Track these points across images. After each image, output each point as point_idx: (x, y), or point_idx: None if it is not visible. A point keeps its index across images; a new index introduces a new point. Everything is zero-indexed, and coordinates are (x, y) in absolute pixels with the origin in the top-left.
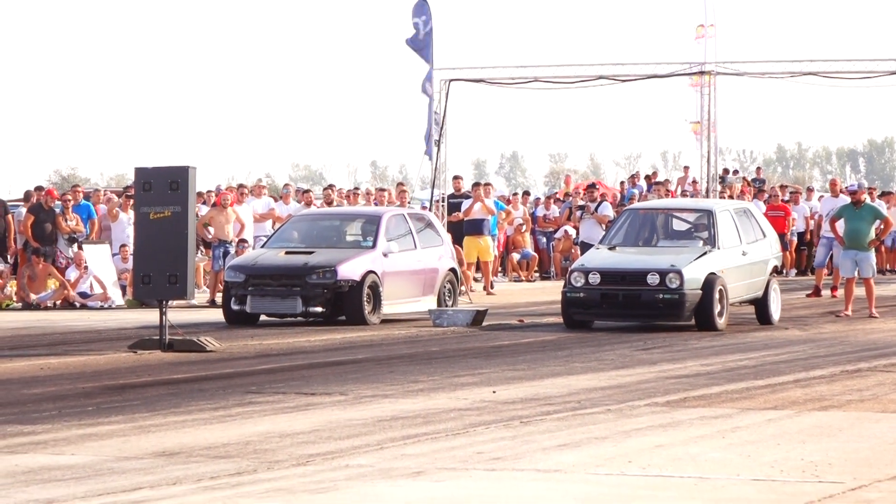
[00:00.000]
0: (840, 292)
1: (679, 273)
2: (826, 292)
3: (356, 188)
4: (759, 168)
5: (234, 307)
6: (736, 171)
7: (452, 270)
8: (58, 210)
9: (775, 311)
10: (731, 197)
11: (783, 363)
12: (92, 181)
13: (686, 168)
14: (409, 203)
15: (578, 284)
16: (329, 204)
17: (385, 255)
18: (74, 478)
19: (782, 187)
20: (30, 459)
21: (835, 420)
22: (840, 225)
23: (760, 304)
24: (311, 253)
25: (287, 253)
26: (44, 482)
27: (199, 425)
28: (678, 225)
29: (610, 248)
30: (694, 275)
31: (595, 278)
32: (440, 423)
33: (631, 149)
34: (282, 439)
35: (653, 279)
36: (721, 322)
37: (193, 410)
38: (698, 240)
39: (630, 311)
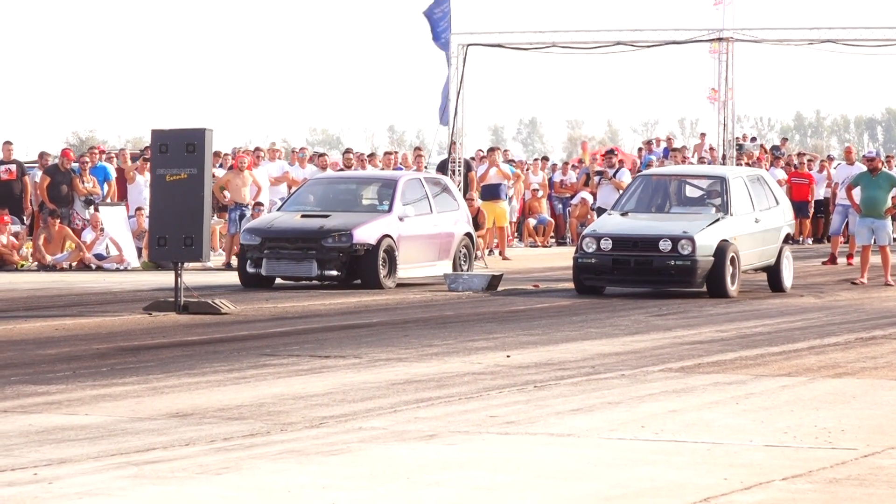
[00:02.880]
0: (856, 260)
1: (691, 239)
2: (842, 260)
3: (394, 152)
4: (784, 139)
5: (250, 270)
6: (754, 139)
7: (468, 235)
8: (75, 172)
9: (787, 278)
10: (747, 164)
11: (798, 330)
12: (109, 143)
13: (703, 135)
14: (425, 168)
15: (590, 250)
16: (348, 168)
17: (401, 219)
18: (88, 438)
19: (800, 155)
20: (44, 419)
21: (849, 387)
22: (856, 192)
23: (773, 272)
24: (327, 216)
25: (303, 216)
26: (57, 442)
27: (212, 387)
28: (691, 192)
29: (622, 214)
30: (706, 241)
31: (607, 244)
32: (454, 386)
33: (648, 115)
34: (295, 401)
35: (665, 245)
36: (733, 289)
37: (207, 372)
38: (711, 206)
39: (642, 277)
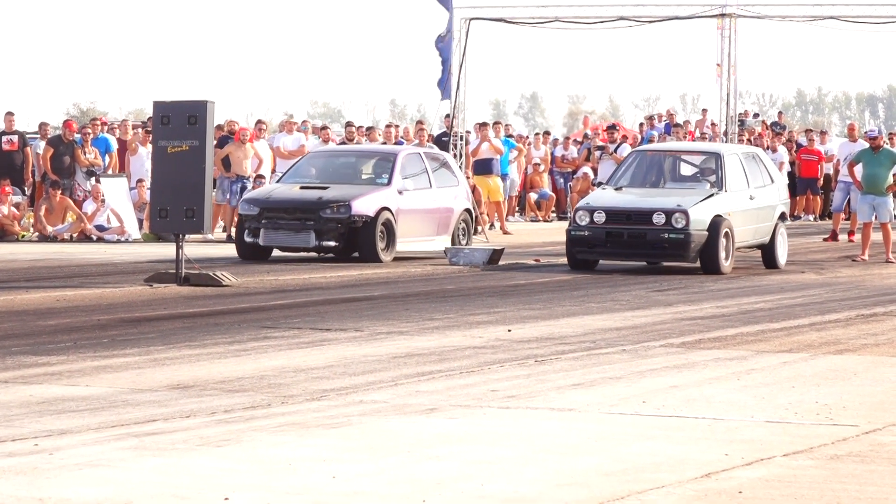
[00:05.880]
0: (857, 237)
1: (685, 213)
2: (843, 237)
3: (395, 125)
4: (780, 113)
5: (248, 240)
6: (756, 115)
7: (468, 210)
8: (77, 143)
9: (782, 255)
10: (749, 140)
11: (799, 306)
12: (110, 115)
13: (704, 111)
14: (427, 141)
15: (583, 223)
16: (350, 141)
17: (400, 192)
18: (89, 409)
19: (808, 131)
20: (44, 390)
21: (850, 364)
22: (858, 169)
23: (767, 250)
24: (325, 188)
25: (302, 188)
26: (58, 413)
27: (213, 359)
28: (686, 168)
29: (616, 189)
30: (700, 216)
31: (600, 217)
32: (455, 360)
33: (650, 91)
34: (296, 374)
35: (658, 218)
36: (727, 265)
37: (208, 344)
38: (706, 182)
39: (635, 250)
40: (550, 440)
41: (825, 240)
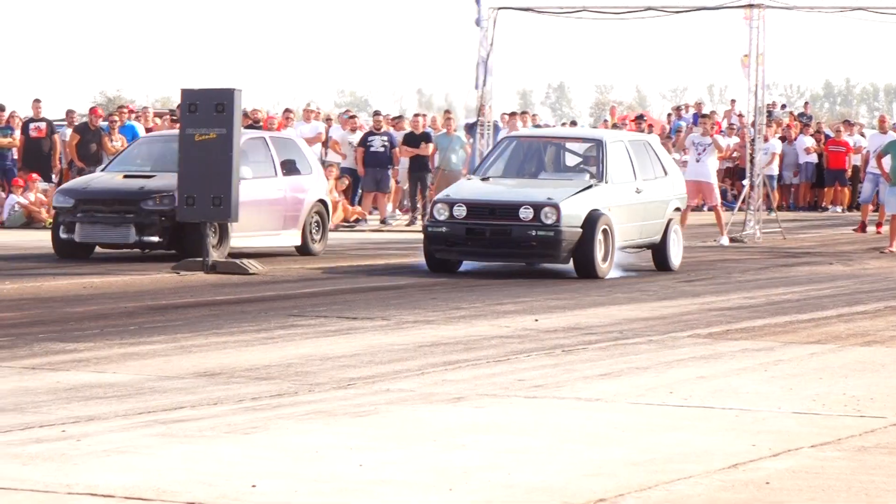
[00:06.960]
0: (885, 229)
1: (556, 207)
2: (871, 228)
3: (422, 115)
4: (806, 103)
5: (63, 236)
6: (784, 106)
7: (322, 201)
8: (104, 130)
9: (675, 256)
10: (776, 132)
11: (827, 298)
12: (137, 102)
13: (733, 101)
14: (454, 130)
15: (441, 218)
16: (377, 130)
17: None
18: (116, 396)
19: (845, 123)
20: (72, 377)
21: (878, 355)
22: (886, 161)
23: (658, 250)
24: (151, 177)
25: (126, 177)
26: (85, 399)
27: (240, 347)
28: (570, 158)
29: (483, 180)
30: (573, 210)
31: (460, 211)
32: (482, 349)
33: (677, 81)
34: (323, 362)
35: (526, 213)
36: (604, 267)
37: (235, 332)
38: (585, 173)
39: (499, 249)
40: (577, 430)
41: (854, 231)
